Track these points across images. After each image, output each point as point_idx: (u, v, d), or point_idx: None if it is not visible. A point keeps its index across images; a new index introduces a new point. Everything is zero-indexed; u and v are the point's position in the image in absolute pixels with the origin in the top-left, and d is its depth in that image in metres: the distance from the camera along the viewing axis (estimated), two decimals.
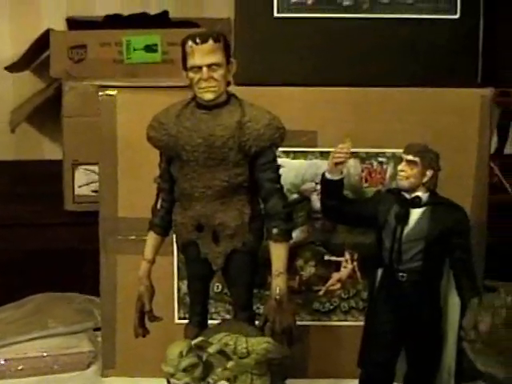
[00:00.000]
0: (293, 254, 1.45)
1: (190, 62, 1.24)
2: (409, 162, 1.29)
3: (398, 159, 1.46)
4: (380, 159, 1.55)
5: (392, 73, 1.57)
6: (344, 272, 1.56)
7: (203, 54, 1.23)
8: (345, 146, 1.30)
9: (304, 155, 1.55)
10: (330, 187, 1.32)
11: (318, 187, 1.41)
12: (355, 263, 1.55)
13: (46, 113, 2.18)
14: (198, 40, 1.23)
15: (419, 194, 1.29)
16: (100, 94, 1.53)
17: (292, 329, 1.28)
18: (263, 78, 1.56)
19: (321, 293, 1.57)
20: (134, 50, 2.10)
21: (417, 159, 1.28)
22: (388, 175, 1.55)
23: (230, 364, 1.12)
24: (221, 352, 1.14)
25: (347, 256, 1.55)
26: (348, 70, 1.57)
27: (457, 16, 1.56)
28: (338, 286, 1.57)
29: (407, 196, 1.30)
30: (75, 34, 2.13)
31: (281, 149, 1.41)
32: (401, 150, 1.38)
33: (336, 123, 1.53)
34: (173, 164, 1.30)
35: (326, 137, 1.54)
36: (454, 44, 1.57)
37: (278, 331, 1.27)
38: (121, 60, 2.09)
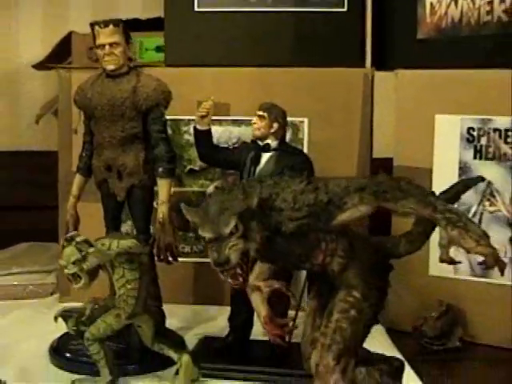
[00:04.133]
0: None
1: (97, 42, 1.67)
2: (259, 116, 1.65)
3: (294, 126, 1.85)
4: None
5: (292, 56, 1.95)
6: None
7: (106, 36, 1.65)
8: (207, 103, 1.68)
9: (219, 123, 1.94)
10: (201, 137, 1.70)
11: None
12: None
13: None
14: (101, 25, 1.66)
15: (269, 141, 1.65)
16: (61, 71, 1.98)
17: (172, 245, 1.67)
18: (188, 61, 1.97)
19: None
20: (146, 50, 2.37)
21: (265, 114, 1.64)
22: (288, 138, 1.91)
23: (91, 249, 1.52)
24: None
25: None
26: (255, 54, 1.96)
27: (345, 9, 1.93)
28: None
29: (260, 143, 1.67)
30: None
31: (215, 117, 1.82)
32: (298, 119, 1.79)
33: (245, 97, 1.92)
34: (91, 121, 1.73)
35: (237, 108, 1.93)
36: (343, 33, 1.94)
37: (161, 246, 1.67)
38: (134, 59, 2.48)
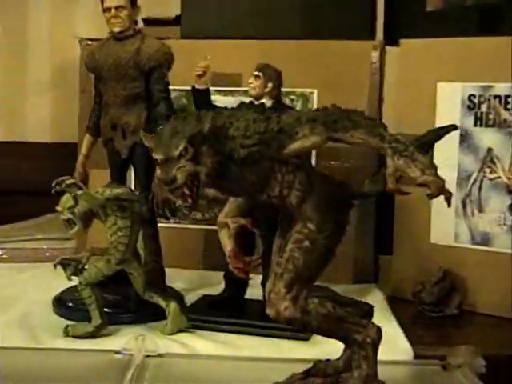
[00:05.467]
0: None
1: (104, 5, 1.75)
2: (255, 76, 1.70)
3: (304, 97, 1.90)
4: (291, 97, 1.97)
5: (302, 28, 2.00)
6: None
7: (111, 0, 1.74)
8: (204, 62, 1.74)
9: (231, 93, 2.00)
10: (199, 96, 1.76)
11: None
12: None
13: None
14: None
15: (264, 101, 1.70)
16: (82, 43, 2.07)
17: (170, 201, 1.73)
18: (202, 33, 2.04)
19: None
20: None
21: (260, 74, 1.69)
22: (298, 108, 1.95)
23: (80, 192, 1.58)
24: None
25: None
26: (267, 26, 2.02)
27: None
28: None
29: (256, 103, 1.71)
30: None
31: (214, 88, 1.88)
32: (308, 90, 1.84)
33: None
34: (100, 82, 1.81)
35: (248, 79, 1.98)
36: (353, 5, 1.98)
37: (159, 201, 1.72)
38: None
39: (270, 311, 1.21)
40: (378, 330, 1.23)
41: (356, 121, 1.17)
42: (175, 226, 2.08)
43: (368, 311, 1.36)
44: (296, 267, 1.22)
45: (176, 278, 1.95)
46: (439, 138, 1.35)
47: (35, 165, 2.76)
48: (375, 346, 1.23)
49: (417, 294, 1.81)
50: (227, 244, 1.33)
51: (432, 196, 1.14)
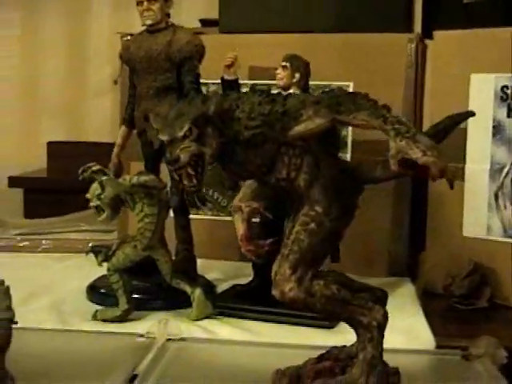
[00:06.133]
0: None
1: None
2: (282, 66, 1.72)
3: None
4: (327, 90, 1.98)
5: (339, 22, 2.01)
6: None
7: None
8: (232, 53, 1.76)
9: (268, 87, 2.02)
10: (228, 86, 1.78)
11: None
12: None
13: None
14: None
15: (291, 91, 1.72)
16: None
17: (199, 191, 1.75)
18: (241, 28, 2.07)
19: None
20: None
21: (287, 64, 1.72)
22: None
23: (105, 177, 1.63)
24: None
25: None
26: (304, 20, 2.03)
27: None
28: None
29: (284, 93, 1.73)
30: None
31: (252, 81, 1.91)
32: (344, 83, 1.85)
33: None
34: (133, 74, 1.85)
35: None
36: None
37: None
38: None
39: (275, 292, 1.22)
40: (385, 313, 1.23)
41: (360, 103, 1.18)
42: (212, 218, 2.12)
43: (381, 297, 1.36)
44: (301, 249, 1.23)
45: (211, 268, 1.98)
46: (456, 124, 1.35)
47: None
48: (381, 328, 1.23)
49: (447, 287, 1.80)
50: (240, 228, 1.35)
51: (434, 178, 1.14)
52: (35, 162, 3.94)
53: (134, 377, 1.34)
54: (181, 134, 1.17)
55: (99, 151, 3.54)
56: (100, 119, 3.93)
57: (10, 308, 1.25)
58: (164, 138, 1.19)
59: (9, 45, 4.00)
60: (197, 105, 1.19)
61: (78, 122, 4.04)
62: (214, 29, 2.37)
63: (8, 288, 1.25)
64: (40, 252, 2.23)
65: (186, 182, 1.20)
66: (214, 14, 2.76)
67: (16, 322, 1.24)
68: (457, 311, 1.78)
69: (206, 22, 2.82)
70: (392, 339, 1.31)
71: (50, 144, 3.98)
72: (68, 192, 3.31)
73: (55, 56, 3.97)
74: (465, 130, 1.82)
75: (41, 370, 1.35)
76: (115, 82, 1.99)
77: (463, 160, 1.85)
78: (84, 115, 4.02)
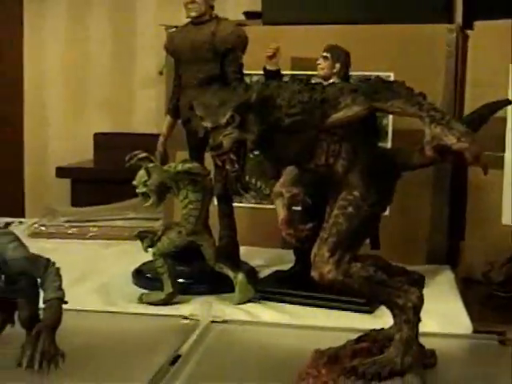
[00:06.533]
0: None
1: None
2: (323, 57, 1.76)
3: None
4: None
5: (380, 13, 2.04)
6: None
7: None
8: (274, 44, 1.81)
9: (310, 77, 2.06)
10: (271, 76, 1.83)
11: None
12: None
13: None
14: None
15: (332, 80, 1.76)
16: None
17: (241, 177, 1.80)
18: (284, 19, 2.11)
19: None
20: None
21: (328, 55, 1.75)
22: None
23: (150, 165, 1.69)
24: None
25: None
26: (346, 11, 2.07)
27: None
28: None
29: (325, 83, 1.77)
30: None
31: (294, 72, 1.96)
32: (385, 73, 1.89)
33: None
34: (178, 65, 1.90)
35: None
36: None
37: (231, 177, 1.80)
38: None
39: (314, 274, 1.27)
40: (420, 295, 1.27)
41: (396, 91, 1.22)
42: (255, 206, 2.16)
43: (418, 280, 1.40)
44: (339, 232, 1.27)
45: (253, 255, 2.02)
46: (492, 112, 1.37)
47: None
48: (416, 310, 1.26)
49: (486, 274, 1.83)
50: (281, 212, 1.39)
51: (469, 163, 1.17)
52: (82, 152, 4.01)
53: (178, 357, 1.39)
54: (223, 121, 1.21)
55: (145, 142, 3.61)
56: (145, 111, 4.00)
57: (60, 288, 1.30)
58: (207, 125, 1.23)
59: (56, 38, 4.08)
60: (239, 93, 1.24)
61: (124, 114, 4.11)
62: (257, 21, 2.42)
63: (58, 269, 1.31)
64: (88, 239, 2.30)
65: (228, 167, 1.24)
66: (257, 7, 2.81)
67: (66, 302, 1.30)
68: (496, 298, 1.80)
69: (250, 15, 2.87)
70: (430, 323, 1.35)
71: (96, 135, 4.06)
72: (114, 182, 3.39)
73: (102, 49, 4.05)
74: (504, 120, 1.85)
75: (89, 349, 1.41)
76: (160, 73, 2.05)
77: (503, 149, 1.87)
78: (130, 107, 4.09)
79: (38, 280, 1.31)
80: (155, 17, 3.93)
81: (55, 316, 1.27)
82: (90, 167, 3.95)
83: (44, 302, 1.29)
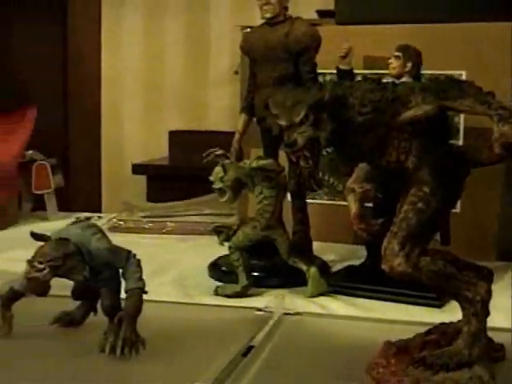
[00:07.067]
0: None
1: None
2: (395, 56, 1.80)
3: None
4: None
5: (452, 12, 2.07)
6: None
7: None
8: (346, 44, 1.85)
9: (382, 76, 2.09)
10: (343, 75, 1.87)
11: None
12: None
13: None
14: None
15: (404, 79, 1.80)
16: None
17: (314, 174, 1.85)
18: (356, 19, 2.15)
19: None
20: None
21: (400, 54, 1.79)
22: None
23: (226, 161, 1.75)
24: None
25: None
26: (417, 11, 2.10)
27: None
28: None
29: (397, 82, 1.80)
30: None
31: (366, 71, 2.00)
32: (457, 72, 1.92)
33: None
34: (253, 64, 1.96)
35: None
36: None
37: (305, 175, 1.85)
38: None
39: (384, 266, 1.31)
40: (489, 289, 1.30)
41: (465, 90, 1.25)
42: (328, 202, 2.21)
43: (487, 275, 1.42)
44: (409, 226, 1.31)
45: (326, 250, 2.07)
46: None
47: None
48: (485, 304, 1.29)
49: None
50: (353, 207, 1.44)
51: None
52: (158, 150, 4.09)
53: (251, 348, 1.44)
54: (298, 119, 1.27)
55: (218, 140, 3.68)
56: (219, 109, 4.06)
57: (141, 278, 1.36)
58: (282, 123, 1.28)
59: (133, 38, 4.17)
60: (313, 92, 1.29)
61: (198, 112, 4.18)
62: (330, 20, 2.46)
63: (139, 260, 1.38)
64: (164, 233, 2.37)
65: (302, 164, 1.30)
66: (330, 5, 2.84)
67: (146, 292, 1.36)
68: None
69: (322, 13, 2.91)
70: (498, 318, 1.38)
71: (171, 133, 4.14)
72: (188, 179, 3.46)
73: (177, 48, 4.13)
74: None
75: (167, 337, 1.47)
76: (236, 72, 2.11)
77: None
78: (204, 105, 4.16)
79: (120, 270, 1.37)
80: (229, 16, 4.00)
81: (136, 305, 1.34)
82: (164, 164, 4.04)
83: (125, 292, 1.35)
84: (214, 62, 4.11)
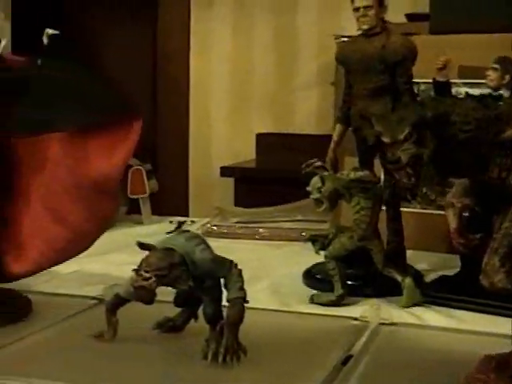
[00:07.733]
0: None
1: (353, 5, 1.92)
2: (493, 68, 1.80)
3: None
4: None
5: None
6: None
7: (360, 0, 1.91)
8: (444, 57, 1.85)
9: (478, 86, 2.10)
10: (440, 87, 1.88)
11: None
12: None
13: None
14: None
15: (501, 92, 1.80)
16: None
17: (414, 188, 1.86)
18: (450, 28, 2.15)
19: None
20: None
21: (497, 66, 1.79)
22: None
23: (325, 173, 1.78)
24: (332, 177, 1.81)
25: None
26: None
27: None
28: None
29: (494, 94, 1.81)
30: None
31: (461, 80, 2.01)
32: None
33: None
34: (349, 75, 1.99)
35: None
36: None
37: (402, 186, 1.87)
38: None
39: (484, 282, 1.32)
40: None
41: None
42: (421, 211, 2.22)
43: None
44: (510, 243, 1.32)
45: (420, 259, 2.08)
46: None
47: (300, 156, 3.00)
48: None
49: None
50: (452, 222, 1.45)
51: None
52: (245, 152, 4.14)
53: (350, 357, 1.46)
54: (402, 137, 1.29)
55: (305, 143, 3.73)
56: (306, 112, 4.10)
57: (242, 288, 1.40)
58: (386, 140, 1.31)
59: (222, 41, 4.23)
60: (416, 110, 1.31)
61: (285, 115, 4.22)
62: (420, 24, 2.46)
63: (241, 270, 1.41)
64: (257, 239, 2.41)
65: (405, 180, 1.32)
66: (419, 9, 2.84)
67: (247, 301, 1.40)
68: None
69: (412, 17, 2.91)
70: None
71: (258, 135, 4.18)
72: (275, 182, 3.50)
73: (264, 51, 4.17)
74: None
75: (267, 345, 1.50)
76: (332, 84, 2.13)
77: None
78: (291, 108, 4.20)
79: (222, 280, 1.41)
80: (316, 20, 4.03)
81: (238, 314, 1.38)
82: (252, 167, 4.08)
83: (227, 301, 1.39)
84: (302, 64, 4.14)
